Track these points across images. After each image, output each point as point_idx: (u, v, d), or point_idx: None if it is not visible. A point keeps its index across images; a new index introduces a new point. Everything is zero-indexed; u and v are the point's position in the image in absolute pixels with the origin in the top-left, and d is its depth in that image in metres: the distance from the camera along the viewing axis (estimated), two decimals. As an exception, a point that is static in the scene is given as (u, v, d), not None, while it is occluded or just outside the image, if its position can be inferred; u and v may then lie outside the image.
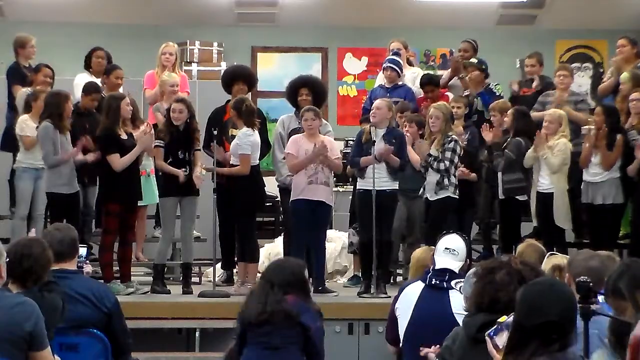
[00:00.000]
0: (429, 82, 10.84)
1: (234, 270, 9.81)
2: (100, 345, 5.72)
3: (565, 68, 10.91)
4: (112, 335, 5.78)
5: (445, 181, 9.33)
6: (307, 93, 10.03)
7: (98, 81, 10.45)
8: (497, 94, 10.77)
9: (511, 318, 3.95)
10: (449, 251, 6.22)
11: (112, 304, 5.84)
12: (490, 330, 4.01)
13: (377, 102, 9.43)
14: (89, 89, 10.06)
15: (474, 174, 10.04)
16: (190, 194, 9.26)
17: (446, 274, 6.15)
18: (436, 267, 6.21)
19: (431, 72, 12.39)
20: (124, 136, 9.10)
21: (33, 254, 5.15)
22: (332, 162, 9.30)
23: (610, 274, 4.33)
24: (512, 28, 14.53)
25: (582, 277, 4.07)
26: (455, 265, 6.21)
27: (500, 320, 4.01)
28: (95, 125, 9.47)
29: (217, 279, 9.39)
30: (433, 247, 6.68)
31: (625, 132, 9.74)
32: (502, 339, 3.96)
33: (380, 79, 11.02)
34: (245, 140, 9.17)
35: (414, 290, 6.20)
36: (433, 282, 6.11)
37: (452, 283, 6.08)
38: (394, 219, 9.46)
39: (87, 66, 10.82)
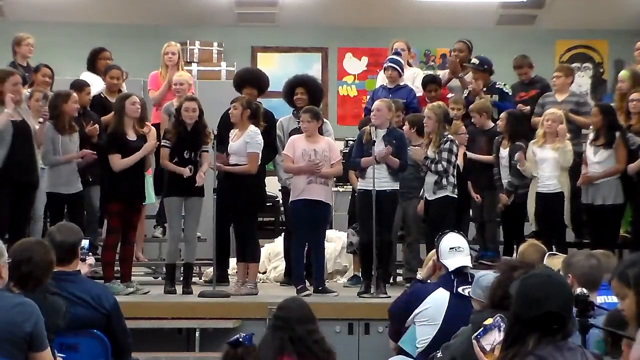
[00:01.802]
0: (431, 82, 10.83)
1: (233, 269, 9.79)
2: (100, 346, 5.73)
3: (562, 69, 10.81)
4: (112, 335, 5.79)
5: (444, 181, 9.32)
6: (303, 92, 10.06)
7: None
8: (510, 93, 10.73)
9: (497, 319, 3.98)
10: (455, 250, 6.24)
11: (110, 305, 5.85)
12: (476, 333, 4.03)
13: (376, 104, 9.42)
14: (78, 85, 9.97)
15: (479, 198, 10.05)
16: (195, 194, 9.24)
17: (467, 275, 6.18)
18: (452, 270, 6.19)
19: (431, 72, 12.38)
20: (131, 137, 9.10)
21: (33, 259, 5.12)
22: (328, 174, 9.29)
23: (621, 262, 4.39)
24: (512, 28, 14.54)
25: (581, 290, 4.13)
26: (467, 260, 6.26)
27: (485, 322, 4.03)
28: (92, 123, 9.51)
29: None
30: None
31: (623, 129, 9.69)
32: (489, 340, 3.97)
33: (382, 80, 11.00)
34: (255, 139, 9.17)
35: (440, 297, 6.18)
36: (461, 290, 6.09)
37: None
38: (391, 219, 9.45)
39: (91, 67, 10.79)
